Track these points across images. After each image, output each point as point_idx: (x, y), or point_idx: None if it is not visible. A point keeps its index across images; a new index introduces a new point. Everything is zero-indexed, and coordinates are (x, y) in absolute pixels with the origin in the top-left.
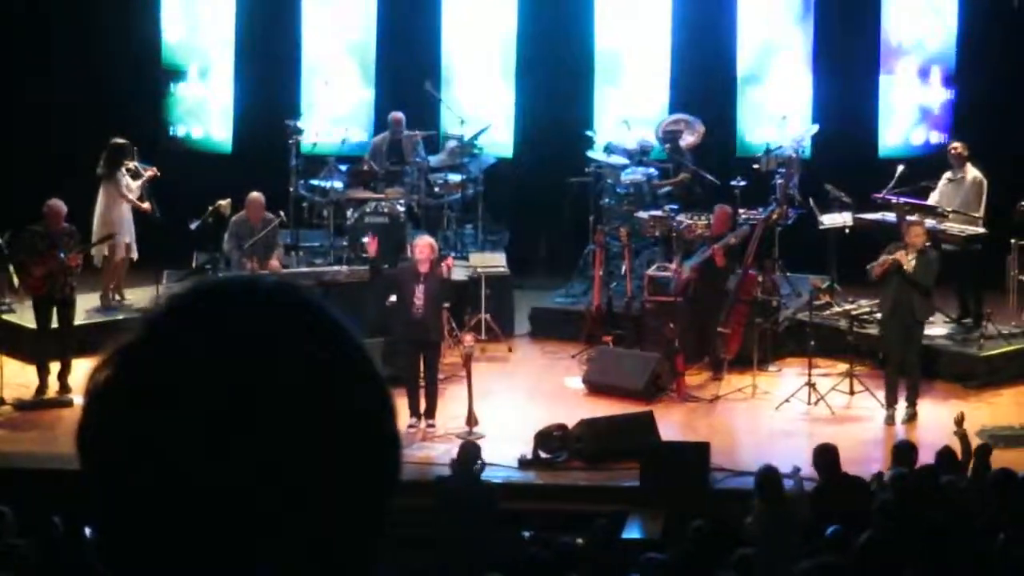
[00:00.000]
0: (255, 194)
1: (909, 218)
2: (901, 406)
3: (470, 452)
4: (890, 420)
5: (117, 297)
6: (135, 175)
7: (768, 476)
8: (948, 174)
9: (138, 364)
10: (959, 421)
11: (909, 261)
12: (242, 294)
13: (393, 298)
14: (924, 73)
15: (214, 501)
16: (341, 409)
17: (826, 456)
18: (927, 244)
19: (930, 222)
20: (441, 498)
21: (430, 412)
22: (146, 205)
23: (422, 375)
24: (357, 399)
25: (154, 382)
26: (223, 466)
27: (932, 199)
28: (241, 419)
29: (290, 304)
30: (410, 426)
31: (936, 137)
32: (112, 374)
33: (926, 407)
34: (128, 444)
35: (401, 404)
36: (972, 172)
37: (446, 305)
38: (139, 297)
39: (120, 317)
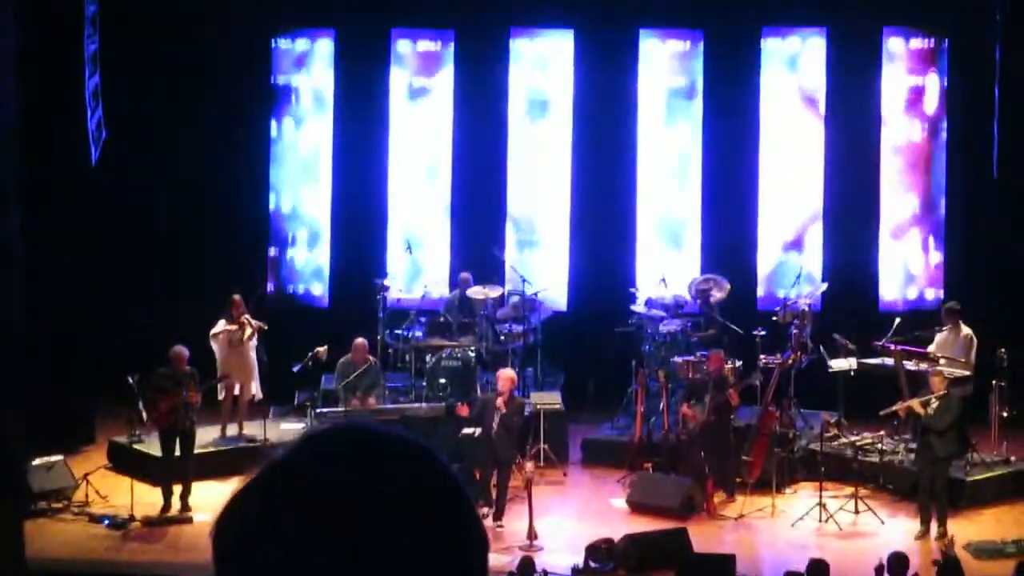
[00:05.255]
0: (360, 340)
1: (932, 369)
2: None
3: (527, 566)
4: (920, 535)
5: (237, 431)
6: (242, 325)
7: None
8: (945, 327)
9: (273, 478)
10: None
11: (930, 405)
12: (367, 435)
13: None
14: (919, 238)
15: None
16: (448, 527)
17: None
18: (947, 390)
19: (925, 366)
20: None
21: (499, 514)
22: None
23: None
24: (460, 519)
25: (285, 496)
26: (345, 568)
27: (931, 348)
28: (368, 538)
29: (411, 447)
30: (497, 525)
31: (928, 294)
32: (253, 484)
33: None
34: (258, 542)
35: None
36: (964, 329)
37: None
38: (252, 430)
39: (231, 447)
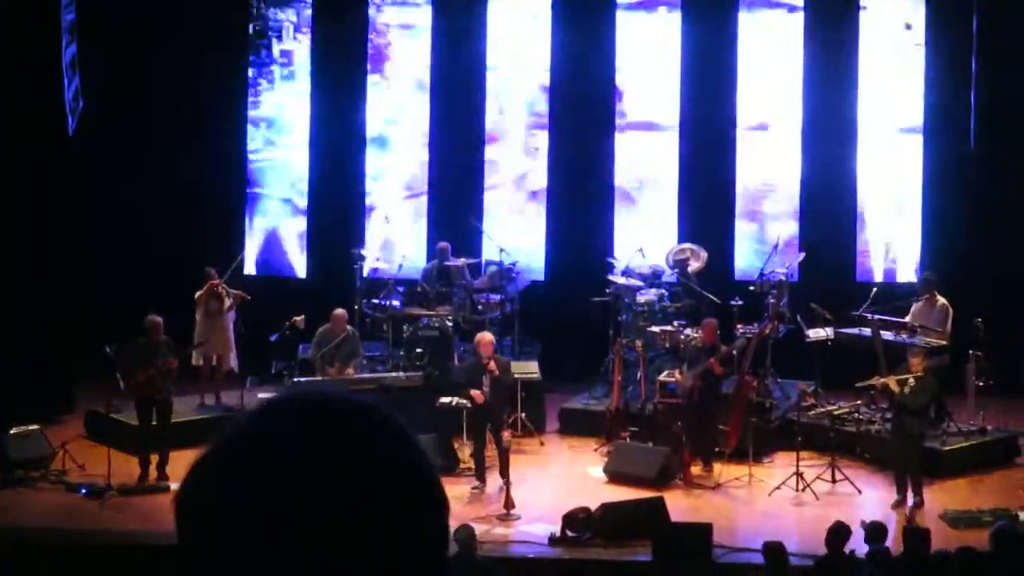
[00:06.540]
0: (339, 310)
1: (910, 344)
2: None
3: (464, 534)
4: (895, 505)
5: (215, 400)
6: (219, 296)
7: (773, 548)
8: (922, 298)
9: (232, 449)
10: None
11: (907, 384)
12: (325, 403)
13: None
14: (895, 212)
15: (290, 567)
16: (404, 493)
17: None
18: (924, 372)
19: (903, 336)
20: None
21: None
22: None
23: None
24: (417, 484)
25: (242, 466)
26: (300, 533)
27: (907, 319)
28: (316, 500)
29: (365, 413)
30: (474, 487)
31: (904, 266)
32: (212, 454)
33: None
34: (218, 511)
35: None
36: (940, 299)
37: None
38: (230, 399)
39: (208, 416)
